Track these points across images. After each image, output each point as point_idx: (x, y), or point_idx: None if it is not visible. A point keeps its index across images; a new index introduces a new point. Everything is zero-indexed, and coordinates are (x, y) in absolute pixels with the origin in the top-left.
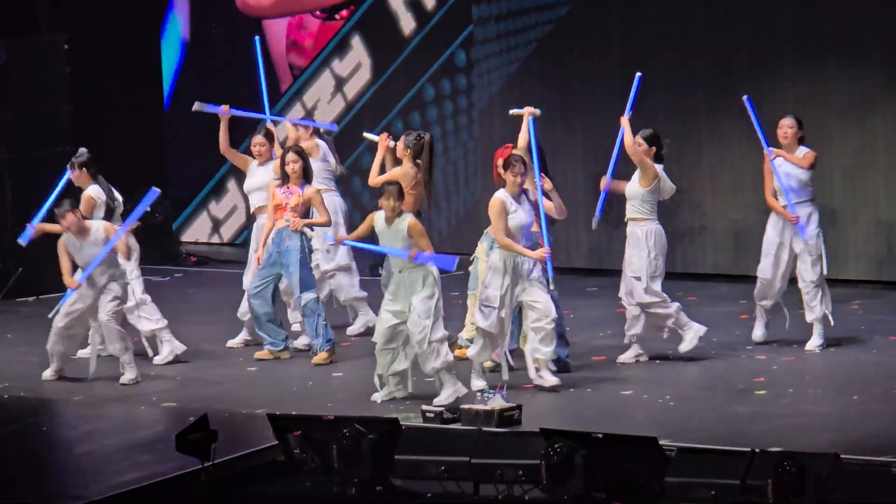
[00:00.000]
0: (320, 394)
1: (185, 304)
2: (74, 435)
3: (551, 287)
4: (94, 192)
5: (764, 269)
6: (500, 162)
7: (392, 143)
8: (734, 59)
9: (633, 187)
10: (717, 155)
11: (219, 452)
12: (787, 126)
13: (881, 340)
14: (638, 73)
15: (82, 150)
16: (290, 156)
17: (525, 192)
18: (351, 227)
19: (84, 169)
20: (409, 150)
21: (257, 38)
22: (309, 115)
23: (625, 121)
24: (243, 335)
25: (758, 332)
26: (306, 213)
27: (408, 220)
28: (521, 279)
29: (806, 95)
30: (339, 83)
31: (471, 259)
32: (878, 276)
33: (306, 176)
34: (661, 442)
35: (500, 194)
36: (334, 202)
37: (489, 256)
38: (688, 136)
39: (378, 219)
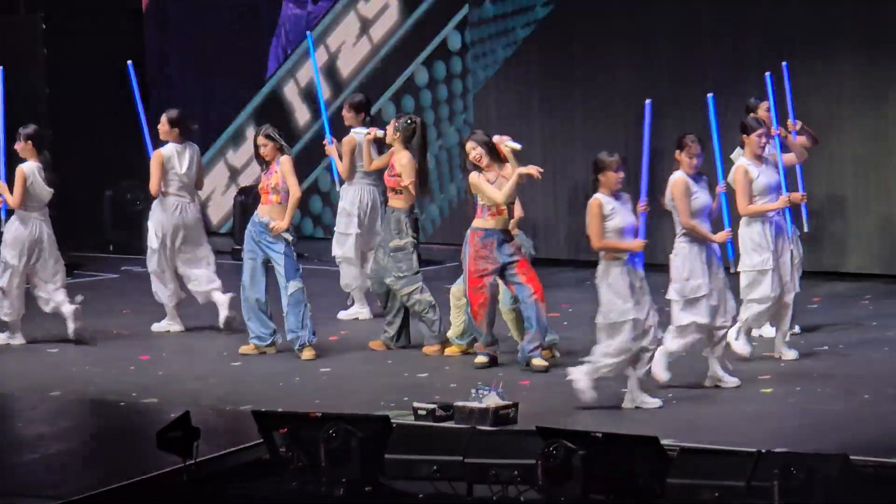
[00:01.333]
0: (307, 390)
1: None
2: (49, 431)
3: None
4: (27, 168)
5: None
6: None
7: (381, 133)
8: (745, 39)
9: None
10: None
11: (201, 451)
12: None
13: (893, 337)
14: (648, 101)
15: (32, 124)
16: (260, 139)
17: (702, 174)
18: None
19: (29, 142)
20: (398, 135)
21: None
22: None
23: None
24: (356, 308)
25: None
26: (285, 192)
27: None
28: (710, 266)
29: (816, 81)
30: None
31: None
32: (890, 269)
33: (281, 150)
34: (662, 442)
35: (681, 174)
36: (356, 194)
37: (677, 244)
38: (691, 118)
39: None
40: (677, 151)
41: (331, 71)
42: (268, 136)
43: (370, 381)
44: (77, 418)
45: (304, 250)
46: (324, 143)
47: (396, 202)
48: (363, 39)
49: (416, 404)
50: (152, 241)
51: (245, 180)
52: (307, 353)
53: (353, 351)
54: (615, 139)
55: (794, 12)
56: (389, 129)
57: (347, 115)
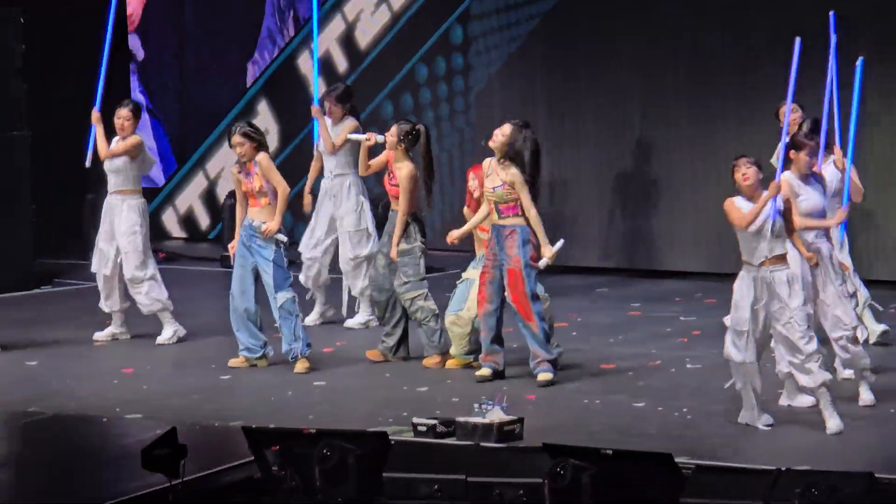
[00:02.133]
0: (300, 405)
1: None
2: (27, 449)
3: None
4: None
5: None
6: (472, 176)
7: (380, 139)
8: (756, 30)
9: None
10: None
11: (188, 469)
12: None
13: None
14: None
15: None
16: (235, 139)
17: (815, 174)
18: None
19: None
20: (402, 146)
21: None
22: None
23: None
24: (318, 309)
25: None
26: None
27: None
28: (773, 295)
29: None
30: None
31: (458, 282)
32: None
33: (260, 147)
34: (676, 459)
35: (787, 175)
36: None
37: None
38: (710, 118)
39: None
40: (793, 151)
41: (348, 40)
42: (245, 136)
43: (367, 395)
44: (57, 435)
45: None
46: (312, 107)
47: (397, 209)
48: (382, 7)
49: (415, 420)
50: (147, 244)
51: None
52: (300, 366)
53: (350, 363)
54: (625, 138)
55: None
56: (391, 135)
57: (334, 108)
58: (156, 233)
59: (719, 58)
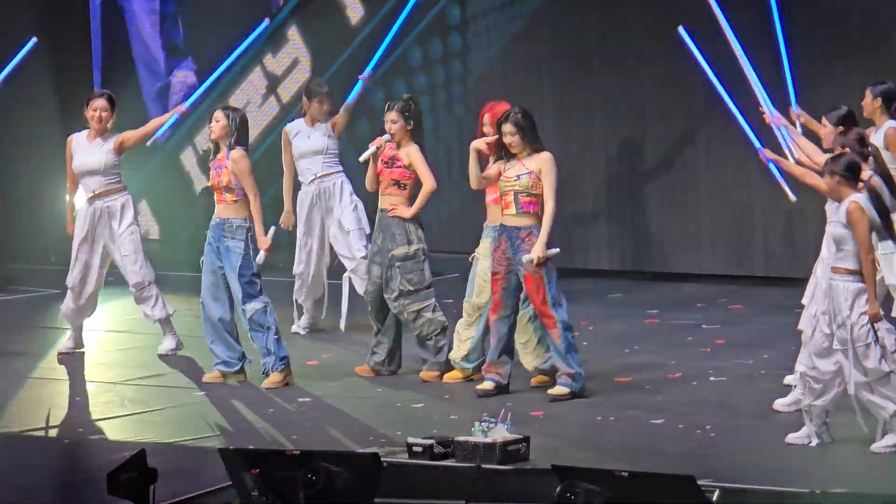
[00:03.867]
0: (283, 423)
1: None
2: None
3: None
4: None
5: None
6: (486, 119)
7: (385, 138)
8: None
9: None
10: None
11: (159, 495)
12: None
13: None
14: None
15: None
16: (217, 113)
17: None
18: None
19: None
20: (409, 126)
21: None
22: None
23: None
24: (306, 318)
25: None
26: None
27: None
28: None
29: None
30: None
31: (469, 259)
32: None
33: (238, 139)
34: (699, 482)
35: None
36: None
37: None
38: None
39: None
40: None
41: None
42: (225, 113)
43: (357, 412)
44: (10, 459)
45: (279, 261)
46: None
47: (396, 204)
48: None
49: (410, 439)
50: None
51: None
52: (269, 380)
53: (337, 377)
54: (639, 126)
55: None
56: (393, 121)
57: (321, 106)
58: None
59: (746, 42)
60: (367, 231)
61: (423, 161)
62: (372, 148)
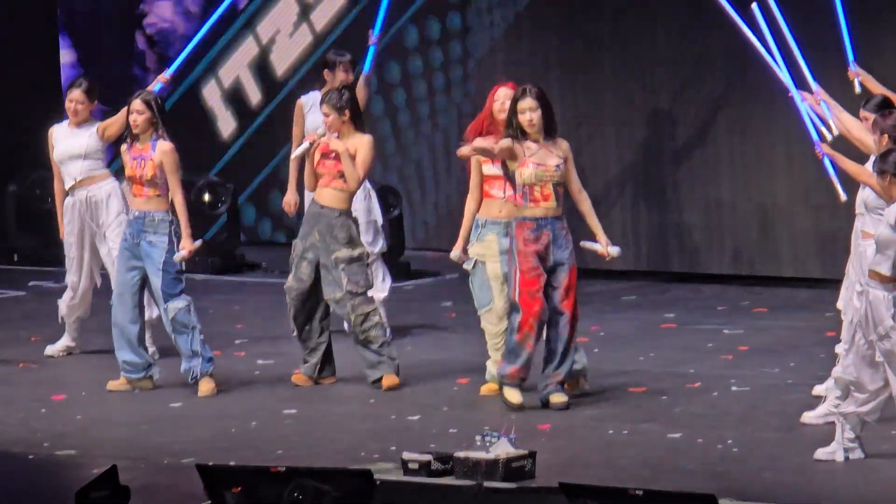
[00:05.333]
0: (267, 438)
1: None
2: None
3: None
4: None
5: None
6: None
7: (320, 131)
8: None
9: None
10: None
11: None
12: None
13: None
14: None
15: None
16: (136, 104)
17: None
18: None
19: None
20: (347, 115)
21: None
22: (264, 51)
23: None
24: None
25: None
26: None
27: None
28: None
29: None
30: (305, 10)
31: (463, 264)
32: None
33: (158, 128)
34: (720, 501)
35: None
36: None
37: None
38: (758, 91)
39: None
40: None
41: None
42: (146, 104)
43: (347, 425)
44: None
45: (262, 259)
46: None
47: (336, 201)
48: None
49: (405, 455)
50: None
51: None
52: (204, 387)
53: (325, 388)
54: (656, 116)
55: None
56: (327, 112)
57: (347, 75)
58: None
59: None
60: (380, 228)
61: (371, 157)
62: (305, 144)
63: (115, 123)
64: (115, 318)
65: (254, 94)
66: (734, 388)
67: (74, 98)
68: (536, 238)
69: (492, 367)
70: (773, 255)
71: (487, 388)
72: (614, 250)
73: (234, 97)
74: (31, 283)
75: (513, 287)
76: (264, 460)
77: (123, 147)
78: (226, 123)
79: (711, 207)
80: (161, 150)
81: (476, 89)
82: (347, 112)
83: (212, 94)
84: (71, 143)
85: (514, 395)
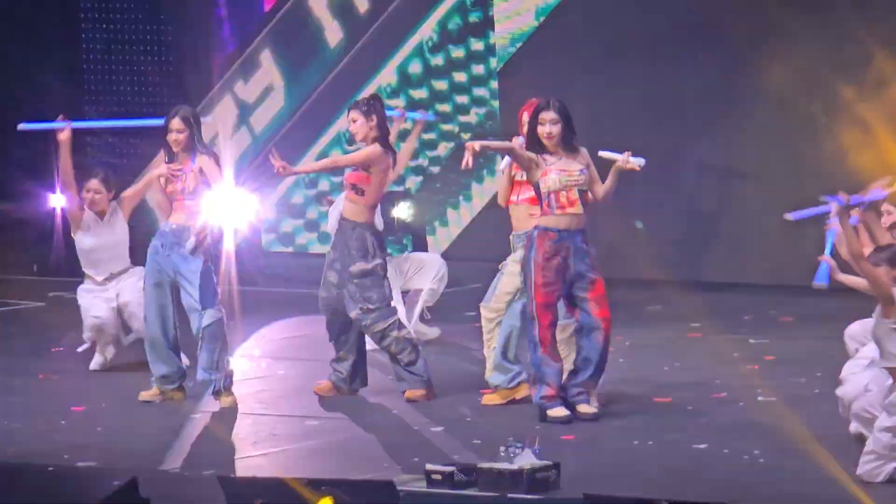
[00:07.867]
0: (288, 448)
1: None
2: None
3: None
4: None
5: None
6: (525, 119)
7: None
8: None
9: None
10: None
11: None
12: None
13: None
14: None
15: None
16: (175, 123)
17: None
18: None
19: None
20: (374, 121)
21: None
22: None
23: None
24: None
25: None
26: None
27: None
28: None
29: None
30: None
31: (500, 267)
32: None
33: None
34: None
35: None
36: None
37: None
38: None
39: None
40: None
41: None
42: (185, 120)
43: (371, 436)
44: None
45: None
46: None
47: (351, 213)
48: None
49: (429, 466)
50: None
51: None
52: (226, 400)
53: (348, 399)
54: (680, 119)
55: None
56: (356, 123)
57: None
58: None
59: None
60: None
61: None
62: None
63: (134, 196)
64: (147, 333)
65: None
66: (760, 399)
67: (92, 188)
68: (556, 251)
69: (490, 375)
70: (799, 265)
71: (488, 399)
72: (636, 160)
73: None
74: (50, 294)
75: (530, 298)
76: (286, 472)
77: (161, 168)
78: None
79: (738, 216)
80: (201, 162)
81: (499, 88)
82: (374, 118)
83: None
84: (103, 237)
85: (559, 412)
